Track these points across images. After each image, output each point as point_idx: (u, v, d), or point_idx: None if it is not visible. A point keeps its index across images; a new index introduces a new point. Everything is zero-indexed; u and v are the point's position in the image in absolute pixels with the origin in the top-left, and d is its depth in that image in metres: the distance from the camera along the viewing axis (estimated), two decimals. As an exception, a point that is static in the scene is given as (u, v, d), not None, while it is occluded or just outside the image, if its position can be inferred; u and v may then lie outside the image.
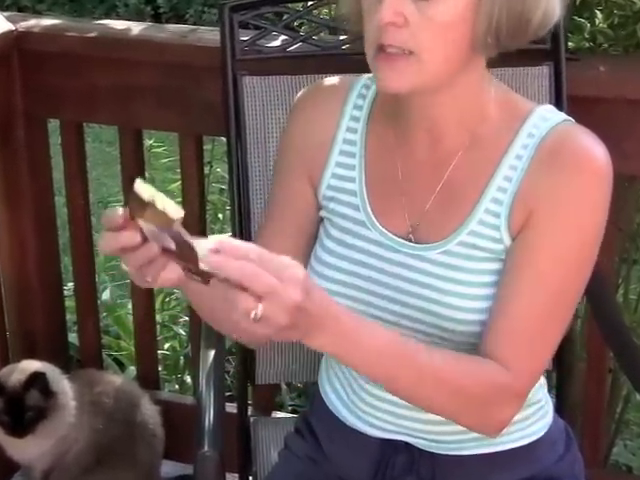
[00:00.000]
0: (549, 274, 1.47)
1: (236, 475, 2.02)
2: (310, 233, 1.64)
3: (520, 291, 1.48)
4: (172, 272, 1.33)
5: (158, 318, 2.96)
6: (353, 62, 1.92)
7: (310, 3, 2.07)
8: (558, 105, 1.86)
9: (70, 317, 2.83)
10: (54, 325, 2.70)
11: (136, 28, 2.39)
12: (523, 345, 1.48)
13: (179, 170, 2.50)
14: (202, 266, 1.24)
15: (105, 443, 2.41)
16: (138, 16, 7.21)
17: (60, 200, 2.64)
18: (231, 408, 2.08)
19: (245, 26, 2.00)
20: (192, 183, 2.44)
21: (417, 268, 1.54)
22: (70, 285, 2.91)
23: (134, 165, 2.47)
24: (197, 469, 1.59)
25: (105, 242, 1.31)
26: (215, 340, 1.88)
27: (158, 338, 2.82)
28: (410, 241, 1.56)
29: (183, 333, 3.19)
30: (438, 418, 1.56)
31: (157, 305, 3.02)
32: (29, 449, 2.36)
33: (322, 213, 1.63)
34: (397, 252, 1.56)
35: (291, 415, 2.58)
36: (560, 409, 1.91)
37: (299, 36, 2.04)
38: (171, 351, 3.14)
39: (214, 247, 1.23)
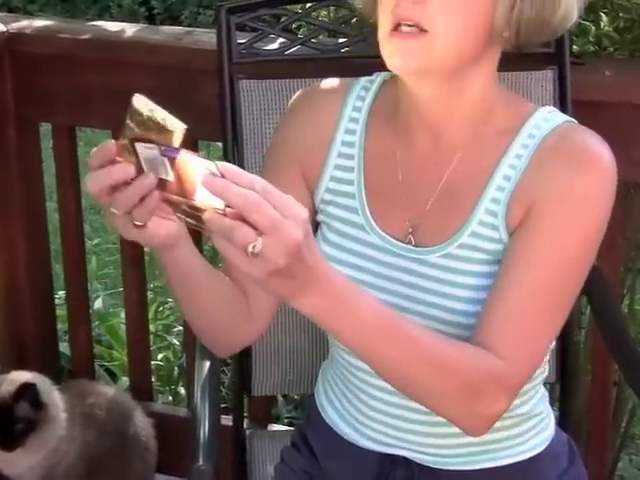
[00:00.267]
0: (547, 267, 1.47)
1: (231, 489, 2.03)
2: None
3: (516, 282, 1.47)
4: (161, 227, 1.30)
5: (151, 328, 2.97)
6: (352, 65, 1.94)
7: (309, 5, 2.07)
8: (562, 110, 1.85)
9: (61, 326, 2.83)
10: (45, 334, 2.70)
11: (130, 30, 2.39)
12: (517, 336, 1.46)
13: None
14: (198, 198, 1.19)
15: (96, 456, 2.40)
16: (132, 17, 7.23)
17: (51, 205, 2.65)
18: (226, 420, 2.08)
19: (242, 28, 2.00)
20: (187, 189, 2.44)
21: (417, 272, 1.54)
22: (61, 293, 2.91)
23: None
24: (192, 483, 1.59)
25: (95, 180, 1.25)
26: (210, 351, 1.88)
27: (151, 348, 2.82)
28: (409, 243, 1.56)
29: (177, 343, 3.19)
30: (438, 431, 1.56)
31: (151, 314, 3.03)
32: (18, 462, 2.35)
33: (319, 217, 1.63)
34: (396, 256, 1.56)
35: (287, 428, 2.58)
36: (564, 422, 1.91)
37: (297, 39, 2.04)
38: (165, 362, 3.14)
39: (217, 171, 1.18)
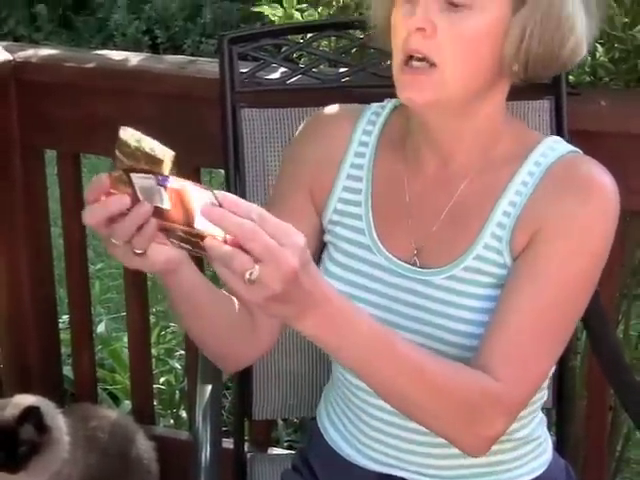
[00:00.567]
0: (549, 294, 1.47)
1: (232, 512, 2.02)
2: (313, 256, 1.63)
3: (518, 306, 1.47)
4: (161, 253, 1.30)
5: (154, 352, 2.96)
6: (353, 95, 1.95)
7: (310, 36, 2.08)
8: (559, 139, 1.87)
9: (65, 350, 2.82)
10: (49, 358, 2.69)
11: (134, 59, 2.40)
12: (517, 359, 1.46)
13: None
14: (197, 226, 1.20)
15: (99, 479, 2.39)
16: (135, 46, 7.26)
17: (55, 231, 2.64)
18: (227, 443, 2.07)
19: (244, 58, 2.00)
20: (189, 215, 2.44)
21: (422, 293, 1.55)
22: (65, 317, 2.90)
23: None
24: (193, 506, 1.58)
25: (91, 213, 1.27)
26: (212, 375, 1.87)
27: (153, 372, 2.81)
28: (415, 265, 1.56)
29: (179, 367, 3.18)
30: (438, 452, 1.56)
31: (153, 338, 3.02)
32: (22, 485, 2.34)
33: (326, 237, 1.64)
34: (402, 277, 1.57)
35: (288, 452, 2.57)
36: (561, 447, 1.91)
37: (299, 68, 2.04)
38: (166, 385, 3.13)
39: (214, 200, 1.19)
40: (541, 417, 1.68)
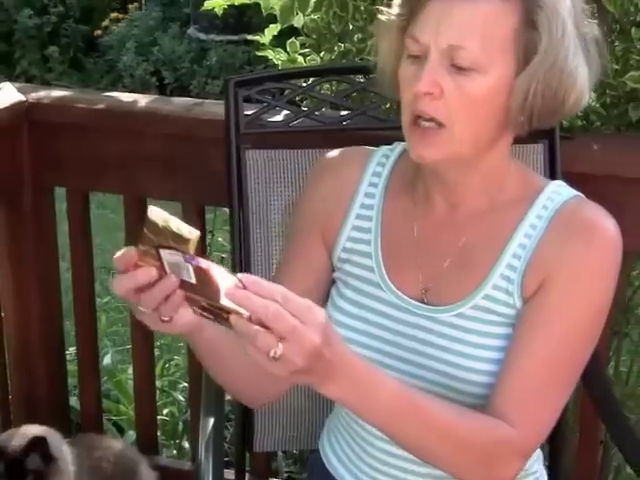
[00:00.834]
0: (559, 339, 1.49)
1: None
2: (323, 290, 1.66)
3: (530, 351, 1.48)
4: (185, 316, 1.33)
5: (158, 384, 2.95)
6: (354, 137, 1.96)
7: (312, 80, 2.09)
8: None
9: (71, 381, 2.81)
10: (56, 388, 2.68)
11: (143, 100, 2.41)
12: (530, 404, 1.48)
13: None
14: (223, 300, 1.23)
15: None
16: (143, 87, 7.29)
17: (63, 265, 2.64)
18: (229, 474, 2.06)
19: (249, 100, 2.01)
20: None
21: (431, 330, 1.55)
22: (72, 349, 2.90)
23: (137, 233, 2.46)
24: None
25: (120, 283, 1.30)
26: (214, 407, 1.87)
27: (157, 404, 2.80)
28: (423, 302, 1.57)
29: (182, 399, 3.17)
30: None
31: (157, 371, 3.01)
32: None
33: (335, 274, 1.65)
34: (411, 314, 1.57)
35: (287, 483, 2.57)
36: (554, 481, 1.90)
37: (301, 111, 2.05)
38: (170, 417, 3.12)
39: (238, 282, 1.22)
40: (538, 453, 1.69)
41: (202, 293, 1.26)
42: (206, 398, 1.88)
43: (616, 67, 2.06)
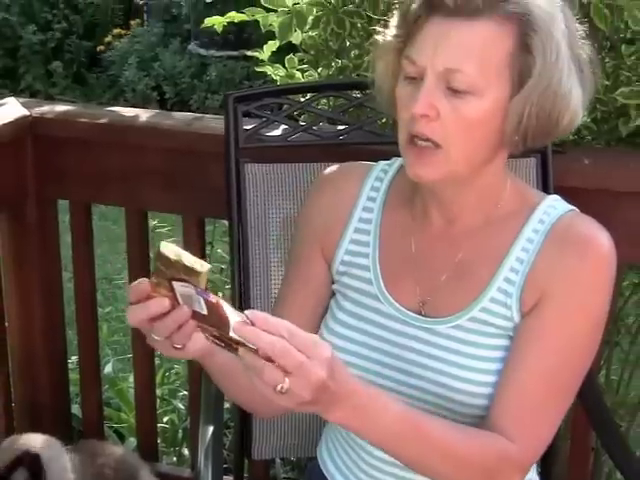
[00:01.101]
0: (558, 354, 1.48)
1: None
2: (324, 305, 1.66)
3: (528, 367, 1.48)
4: (197, 342, 1.34)
5: (158, 392, 2.94)
6: (351, 151, 1.96)
7: (310, 95, 2.09)
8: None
9: (73, 389, 2.81)
10: (59, 396, 2.68)
11: (144, 115, 2.40)
12: (529, 418, 1.48)
13: (182, 250, 2.50)
14: (232, 333, 1.25)
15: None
16: (145, 101, 7.29)
17: (66, 275, 2.64)
18: (227, 481, 2.06)
19: (248, 115, 2.01)
20: (194, 263, 2.44)
21: (428, 341, 1.55)
22: (74, 358, 2.89)
23: (139, 244, 2.47)
24: (194, 542, 1.57)
25: (134, 314, 1.32)
26: (214, 415, 1.87)
27: (158, 411, 2.79)
28: (421, 314, 1.56)
29: (182, 407, 3.16)
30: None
31: (157, 379, 3.00)
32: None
33: (335, 286, 1.65)
34: (408, 325, 1.57)
35: (285, 489, 2.56)
36: (546, 488, 1.90)
37: (299, 126, 2.05)
38: (170, 424, 3.11)
39: (246, 318, 1.24)
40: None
41: (213, 324, 1.28)
42: (205, 406, 1.88)
43: (607, 83, 2.06)
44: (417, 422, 1.41)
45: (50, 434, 2.35)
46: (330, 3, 2.19)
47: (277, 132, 2.06)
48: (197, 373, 1.62)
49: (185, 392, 3.10)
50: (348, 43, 2.23)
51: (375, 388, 1.41)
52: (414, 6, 1.45)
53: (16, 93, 7.07)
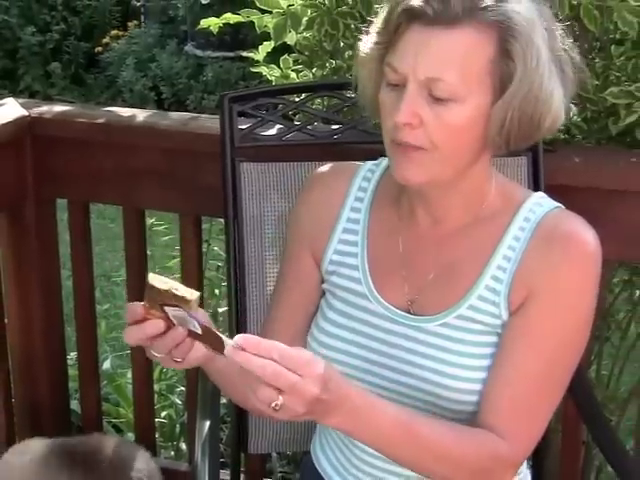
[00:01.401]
0: (546, 352, 1.48)
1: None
2: (316, 303, 1.66)
3: (517, 364, 1.48)
4: (198, 351, 1.36)
5: (156, 387, 2.94)
6: (344, 150, 1.96)
7: (304, 95, 2.09)
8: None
9: (72, 385, 2.80)
10: (58, 392, 2.67)
11: (141, 115, 2.40)
12: (519, 415, 1.48)
13: (178, 248, 2.50)
14: (227, 353, 1.27)
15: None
16: (142, 101, 7.28)
17: (64, 273, 2.63)
18: (224, 475, 2.05)
19: (243, 115, 2.01)
20: (190, 260, 2.44)
21: (416, 339, 1.55)
22: (73, 355, 2.88)
23: (136, 242, 2.46)
24: (192, 536, 1.57)
25: (130, 335, 1.34)
26: (210, 410, 1.87)
27: (155, 406, 2.79)
28: (409, 312, 1.56)
29: (179, 402, 3.16)
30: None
31: (155, 375, 3.00)
32: None
33: (324, 286, 1.65)
34: (397, 323, 1.56)
35: (280, 483, 2.56)
36: (537, 481, 1.90)
37: (294, 125, 2.05)
38: (167, 419, 3.11)
39: (237, 343, 1.26)
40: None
41: (208, 342, 1.30)
42: (202, 401, 1.88)
43: (596, 83, 2.07)
44: (410, 424, 1.42)
45: (49, 430, 2.35)
46: (324, 4, 2.19)
47: (272, 131, 2.06)
48: (194, 369, 1.62)
49: (182, 388, 3.10)
50: (342, 44, 2.23)
51: (368, 392, 1.42)
52: (395, 14, 1.44)
53: (15, 94, 7.06)
